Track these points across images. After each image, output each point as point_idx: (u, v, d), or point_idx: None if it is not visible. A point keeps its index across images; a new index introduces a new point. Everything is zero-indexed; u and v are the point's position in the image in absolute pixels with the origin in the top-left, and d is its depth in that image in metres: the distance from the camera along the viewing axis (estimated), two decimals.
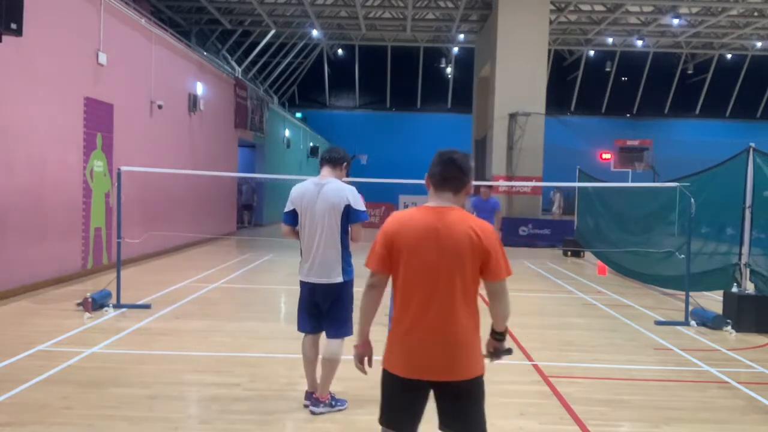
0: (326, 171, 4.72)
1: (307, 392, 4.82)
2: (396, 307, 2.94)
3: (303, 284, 4.72)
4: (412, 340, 2.86)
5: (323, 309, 4.65)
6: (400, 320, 2.90)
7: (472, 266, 2.83)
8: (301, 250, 4.72)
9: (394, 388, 2.92)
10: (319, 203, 4.56)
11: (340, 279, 4.58)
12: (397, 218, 2.97)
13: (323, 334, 4.77)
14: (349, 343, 4.67)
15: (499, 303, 2.93)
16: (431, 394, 2.93)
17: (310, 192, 4.62)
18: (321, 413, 4.65)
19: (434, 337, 2.83)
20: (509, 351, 3.08)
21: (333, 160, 4.73)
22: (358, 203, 4.57)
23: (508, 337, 3.09)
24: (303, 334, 4.81)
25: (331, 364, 4.63)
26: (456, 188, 2.93)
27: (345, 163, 4.80)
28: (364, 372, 3.11)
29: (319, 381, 4.72)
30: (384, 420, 2.98)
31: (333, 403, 4.73)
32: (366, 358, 3.09)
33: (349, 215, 4.55)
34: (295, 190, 4.69)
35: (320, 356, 4.69)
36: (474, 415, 2.91)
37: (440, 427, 2.97)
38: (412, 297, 2.86)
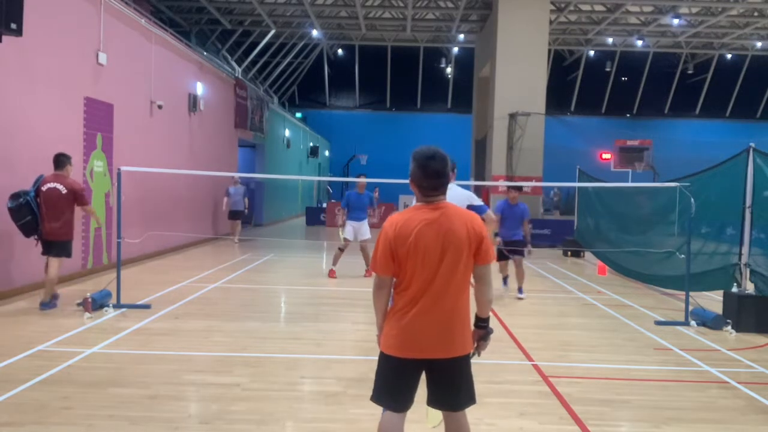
0: None
1: None
2: (395, 296, 3.19)
3: None
4: (410, 323, 3.10)
5: None
6: (399, 306, 3.15)
7: (467, 253, 3.11)
8: None
9: (391, 368, 3.18)
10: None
11: None
12: (394, 221, 3.17)
13: None
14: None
15: (487, 286, 3.21)
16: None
17: None
18: None
19: (431, 318, 3.08)
20: (491, 331, 3.33)
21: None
22: (477, 200, 5.43)
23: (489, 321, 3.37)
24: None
25: None
26: (443, 191, 3.21)
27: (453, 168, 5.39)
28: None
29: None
30: (380, 399, 3.23)
31: None
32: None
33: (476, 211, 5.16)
34: None
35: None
36: (465, 388, 3.20)
37: (429, 403, 3.25)
38: (410, 284, 3.10)
